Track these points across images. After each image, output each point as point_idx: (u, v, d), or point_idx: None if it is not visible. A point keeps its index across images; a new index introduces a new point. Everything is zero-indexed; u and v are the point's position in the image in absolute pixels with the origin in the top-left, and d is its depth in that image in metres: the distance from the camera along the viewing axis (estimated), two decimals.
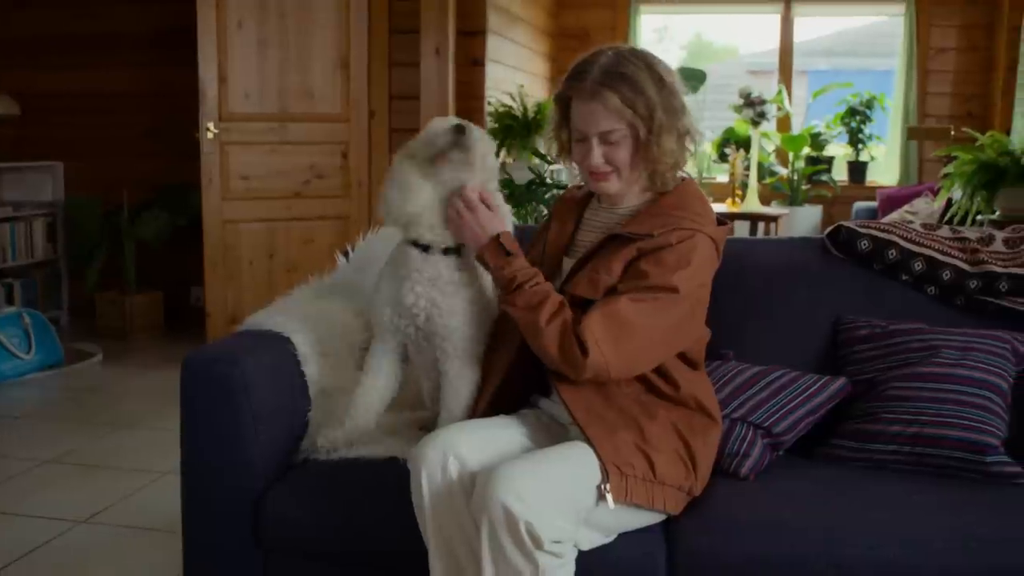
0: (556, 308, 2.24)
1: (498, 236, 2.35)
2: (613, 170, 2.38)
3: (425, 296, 2.45)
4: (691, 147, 2.42)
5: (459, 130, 2.36)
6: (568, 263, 2.48)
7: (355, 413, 2.60)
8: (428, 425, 2.63)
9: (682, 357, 2.40)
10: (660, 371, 2.36)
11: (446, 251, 2.46)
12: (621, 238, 2.33)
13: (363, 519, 2.40)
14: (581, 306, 2.28)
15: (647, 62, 2.34)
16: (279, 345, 2.68)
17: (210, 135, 5.78)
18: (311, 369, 2.72)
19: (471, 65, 6.54)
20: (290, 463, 2.62)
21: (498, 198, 2.47)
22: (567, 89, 2.40)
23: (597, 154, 2.36)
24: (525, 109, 6.87)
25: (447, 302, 2.44)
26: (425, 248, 2.46)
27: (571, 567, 2.12)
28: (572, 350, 2.19)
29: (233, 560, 2.53)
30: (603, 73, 2.31)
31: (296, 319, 2.78)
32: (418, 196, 2.42)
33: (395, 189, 2.45)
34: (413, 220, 2.44)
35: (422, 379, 2.70)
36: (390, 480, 2.40)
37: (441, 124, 2.43)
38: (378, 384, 2.61)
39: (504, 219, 2.44)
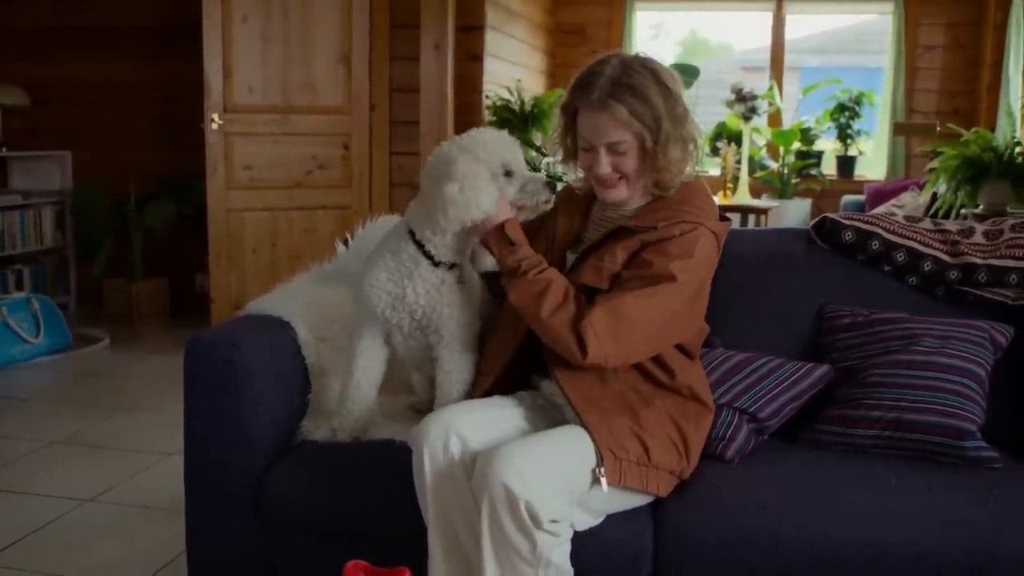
0: (560, 300, 2.25)
1: (503, 225, 2.37)
2: (621, 177, 2.40)
3: (427, 297, 2.46)
4: (695, 152, 2.43)
5: (551, 187, 2.37)
6: (571, 258, 2.50)
7: (358, 397, 2.60)
8: (423, 409, 2.66)
9: (679, 348, 2.44)
10: (657, 360, 2.39)
11: (452, 266, 2.48)
12: (626, 230, 2.36)
13: (361, 498, 2.44)
14: (587, 293, 2.31)
15: (652, 70, 2.34)
16: (280, 330, 2.72)
17: (215, 126, 5.83)
18: (310, 353, 2.75)
19: (470, 60, 6.57)
20: (290, 444, 2.66)
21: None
22: (574, 100, 2.40)
23: (605, 164, 2.38)
24: (522, 103, 6.94)
25: (445, 301, 2.47)
26: (436, 262, 2.47)
27: (567, 546, 2.17)
28: (571, 344, 2.22)
29: (234, 538, 2.58)
30: (611, 84, 2.31)
31: (297, 305, 2.82)
32: (488, 205, 2.37)
33: (468, 193, 2.34)
34: (472, 221, 2.38)
35: (410, 369, 2.71)
36: (387, 461, 2.44)
37: (501, 146, 2.39)
38: (371, 368, 2.60)
39: (508, 207, 2.43)
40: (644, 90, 2.31)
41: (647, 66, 2.36)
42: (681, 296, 2.30)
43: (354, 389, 2.60)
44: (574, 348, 2.22)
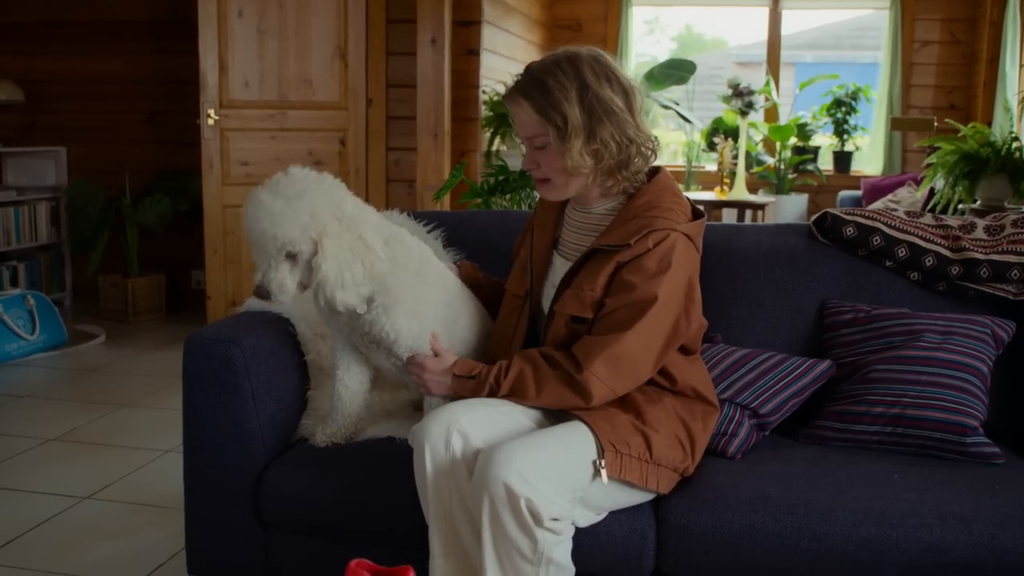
0: (538, 374, 2.28)
1: (454, 368, 2.39)
2: (547, 178, 2.38)
3: (360, 319, 2.43)
4: (646, 151, 2.37)
5: (260, 294, 2.31)
6: (559, 260, 2.50)
7: (341, 407, 2.61)
8: (421, 405, 2.64)
9: (679, 348, 2.43)
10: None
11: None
12: (601, 251, 2.34)
13: (361, 496, 2.44)
14: (571, 323, 2.34)
15: (576, 67, 2.29)
16: (279, 326, 2.73)
17: (211, 122, 5.84)
18: (310, 350, 2.76)
19: (466, 55, 6.56)
20: (290, 441, 2.66)
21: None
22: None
23: (527, 158, 2.39)
24: None
25: (380, 324, 2.41)
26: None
27: (568, 544, 2.17)
28: (575, 401, 2.25)
29: (233, 535, 2.58)
30: (525, 80, 2.32)
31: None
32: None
33: None
34: None
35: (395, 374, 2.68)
36: (387, 458, 2.45)
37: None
38: (352, 372, 2.60)
39: (449, 354, 2.45)
40: (554, 87, 2.28)
41: (575, 62, 2.31)
42: (674, 312, 2.31)
43: (341, 391, 2.61)
44: (579, 402, 2.26)
